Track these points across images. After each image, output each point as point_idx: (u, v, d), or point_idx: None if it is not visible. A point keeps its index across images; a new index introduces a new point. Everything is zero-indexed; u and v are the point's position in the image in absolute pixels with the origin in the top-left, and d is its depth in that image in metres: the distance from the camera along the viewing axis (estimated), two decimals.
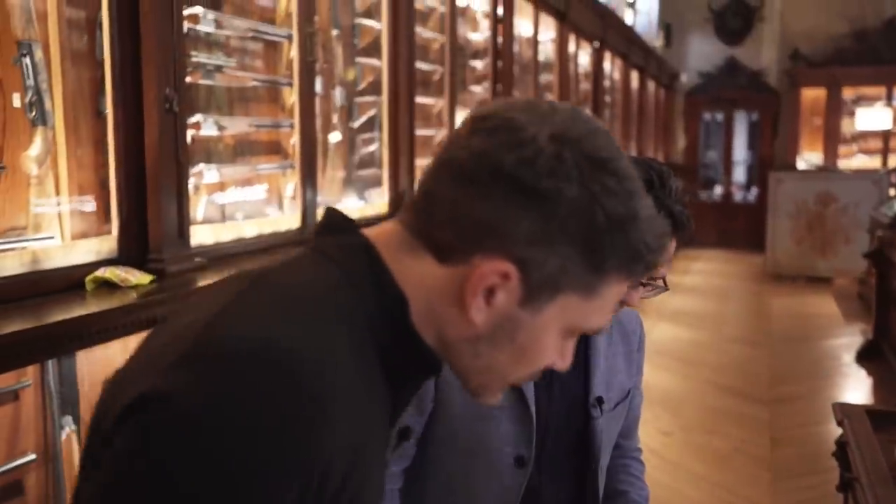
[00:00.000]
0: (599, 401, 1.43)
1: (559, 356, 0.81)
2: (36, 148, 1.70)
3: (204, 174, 2.38)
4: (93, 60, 1.83)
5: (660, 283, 1.36)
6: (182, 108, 1.94)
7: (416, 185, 0.80)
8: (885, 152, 10.97)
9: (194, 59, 2.29)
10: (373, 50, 3.34)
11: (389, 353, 0.76)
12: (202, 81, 2.34)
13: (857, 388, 5.28)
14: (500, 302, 0.74)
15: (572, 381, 1.44)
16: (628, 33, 8.33)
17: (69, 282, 1.71)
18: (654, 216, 0.77)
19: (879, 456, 1.69)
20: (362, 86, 3.32)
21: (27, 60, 1.66)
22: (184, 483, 0.61)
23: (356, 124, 3.31)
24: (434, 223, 0.75)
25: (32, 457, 1.73)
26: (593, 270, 0.74)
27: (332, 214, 0.81)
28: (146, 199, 1.88)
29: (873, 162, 11.07)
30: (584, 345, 1.45)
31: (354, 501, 0.71)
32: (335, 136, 3.16)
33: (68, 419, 1.82)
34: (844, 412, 1.95)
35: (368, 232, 0.79)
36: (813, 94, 11.35)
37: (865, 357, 5.67)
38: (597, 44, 6.77)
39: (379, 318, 0.75)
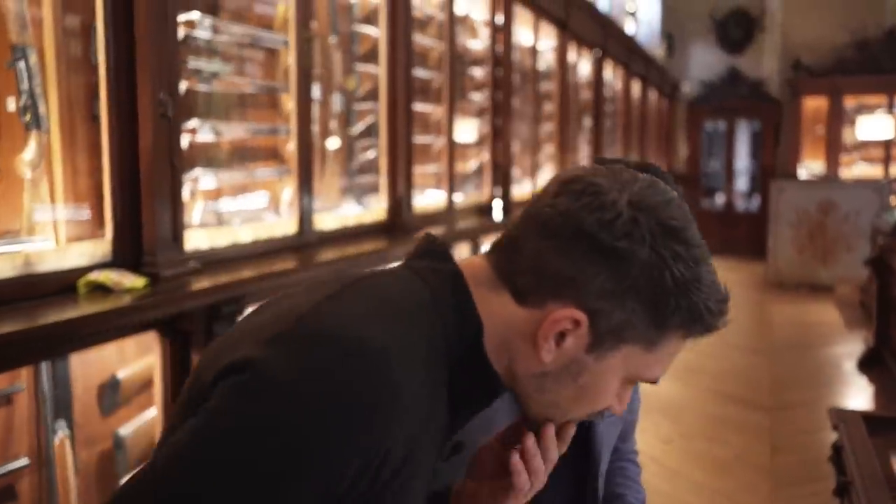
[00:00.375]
0: None
1: (617, 401, 0.89)
2: (30, 152, 1.70)
3: (200, 179, 2.38)
4: (88, 65, 1.84)
5: None
6: (177, 113, 1.95)
7: (504, 231, 0.89)
8: (886, 161, 10.96)
9: (191, 66, 2.30)
10: (371, 57, 3.35)
11: (458, 372, 0.84)
12: (199, 87, 2.35)
13: (858, 396, 5.26)
14: (568, 345, 0.83)
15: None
16: (629, 42, 8.35)
17: (63, 285, 1.71)
18: (716, 282, 0.84)
19: (874, 460, 1.68)
20: (361, 92, 3.33)
21: (21, 65, 1.66)
22: (260, 440, 0.70)
23: (355, 131, 3.31)
24: (517, 269, 0.84)
25: (25, 461, 1.73)
26: (656, 327, 0.82)
27: (430, 240, 0.91)
28: (140, 204, 1.89)
29: (875, 170, 11.05)
30: None
31: (401, 492, 0.78)
32: (334, 143, 3.16)
33: (62, 423, 1.82)
34: (840, 417, 1.95)
35: (460, 262, 0.89)
36: (814, 104, 11.35)
37: (867, 365, 5.65)
38: (598, 52, 6.78)
39: (456, 338, 0.84)
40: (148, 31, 1.83)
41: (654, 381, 0.89)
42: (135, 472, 0.77)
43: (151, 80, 1.84)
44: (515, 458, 0.90)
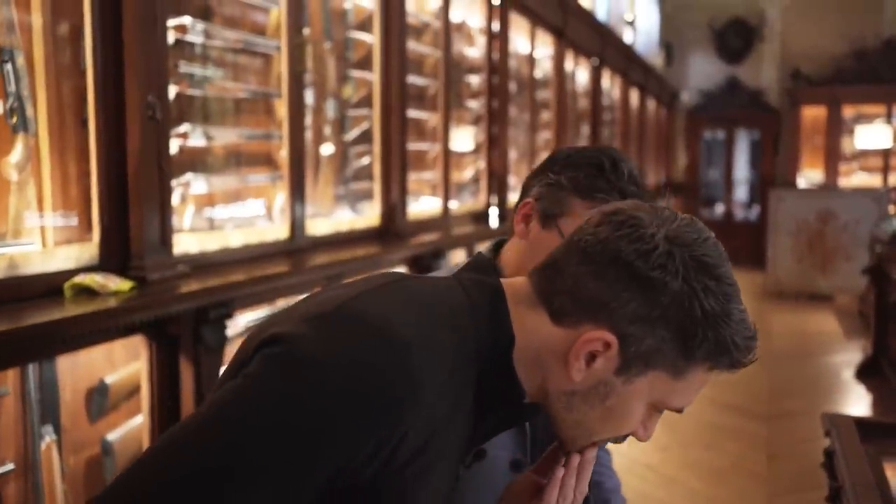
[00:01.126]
0: None
1: (642, 427, 0.92)
2: (16, 154, 1.70)
3: (192, 184, 2.38)
4: (77, 69, 1.84)
5: None
6: (166, 116, 1.94)
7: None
8: (885, 170, 10.96)
9: (182, 70, 2.30)
10: (366, 63, 3.35)
11: (485, 380, 0.88)
12: (191, 92, 2.35)
13: (856, 404, 5.24)
14: (598, 366, 0.87)
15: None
16: (628, 51, 8.36)
17: (48, 287, 1.70)
18: (746, 321, 0.88)
19: (866, 466, 1.67)
20: (355, 99, 3.33)
21: (8, 67, 1.66)
22: (286, 408, 0.76)
23: (349, 137, 3.31)
24: (556, 290, 0.89)
25: (11, 466, 1.72)
26: (684, 356, 0.86)
27: (480, 258, 1.00)
28: (128, 207, 1.88)
29: (874, 180, 11.06)
30: None
31: (415, 482, 0.82)
32: (327, 149, 3.16)
33: (48, 428, 1.81)
34: (833, 423, 1.93)
35: (504, 279, 0.94)
36: (813, 113, 11.36)
37: (865, 373, 5.64)
38: (596, 61, 6.79)
39: (488, 347, 0.88)
40: (136, 35, 1.82)
41: (678, 411, 0.92)
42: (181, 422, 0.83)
43: (139, 83, 1.84)
44: (560, 470, 0.96)
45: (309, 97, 2.93)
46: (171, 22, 2.17)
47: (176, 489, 0.74)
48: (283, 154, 2.74)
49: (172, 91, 2.17)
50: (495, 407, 0.90)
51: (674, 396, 0.89)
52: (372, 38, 3.33)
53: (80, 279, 1.70)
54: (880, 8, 10.96)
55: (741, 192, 12.37)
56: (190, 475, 0.75)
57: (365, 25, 3.33)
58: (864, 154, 11.22)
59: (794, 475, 4.09)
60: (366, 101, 3.37)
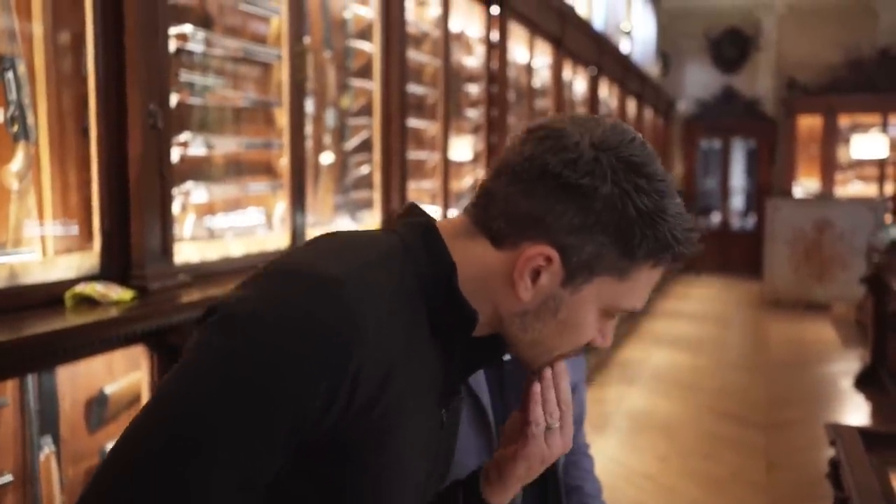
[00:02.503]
0: None
1: (600, 335, 0.93)
2: (17, 163, 1.69)
3: (192, 193, 2.37)
4: (78, 77, 1.83)
5: None
6: (168, 125, 1.94)
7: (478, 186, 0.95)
8: (881, 179, 11.00)
9: (183, 79, 2.29)
10: (366, 72, 3.35)
11: (438, 313, 0.87)
12: (192, 100, 2.34)
13: (855, 414, 5.23)
14: (544, 282, 0.87)
15: (522, 385, 1.45)
16: (625, 60, 8.38)
17: (49, 297, 1.69)
18: (683, 214, 0.88)
19: (872, 476, 1.66)
20: (355, 108, 3.33)
21: (9, 75, 1.65)
22: (231, 367, 0.76)
23: (349, 146, 3.31)
24: (491, 216, 0.88)
25: (9, 478, 1.70)
26: (626, 257, 0.86)
27: (410, 206, 0.95)
28: (129, 216, 1.87)
29: (870, 189, 11.09)
30: None
31: (385, 426, 0.81)
32: (327, 158, 3.16)
33: (47, 439, 1.79)
34: (837, 433, 1.93)
35: (439, 221, 0.93)
36: (809, 122, 11.40)
37: (863, 382, 5.63)
38: (593, 70, 6.81)
39: (431, 282, 0.87)
40: (137, 43, 1.82)
41: (632, 311, 0.92)
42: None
43: (141, 91, 1.83)
44: (536, 387, 0.95)
45: (309, 106, 2.92)
46: (173, 30, 2.16)
47: (145, 476, 0.74)
48: (284, 163, 2.74)
49: (173, 99, 2.16)
50: (455, 338, 0.89)
51: (623, 298, 0.89)
52: (372, 47, 3.33)
53: (81, 288, 1.68)
54: (875, 17, 11.01)
55: (737, 202, 12.40)
56: (153, 460, 0.74)
57: (365, 34, 3.33)
58: (860, 163, 11.26)
59: (793, 485, 4.08)
60: (366, 110, 3.36)
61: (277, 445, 0.76)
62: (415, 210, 0.94)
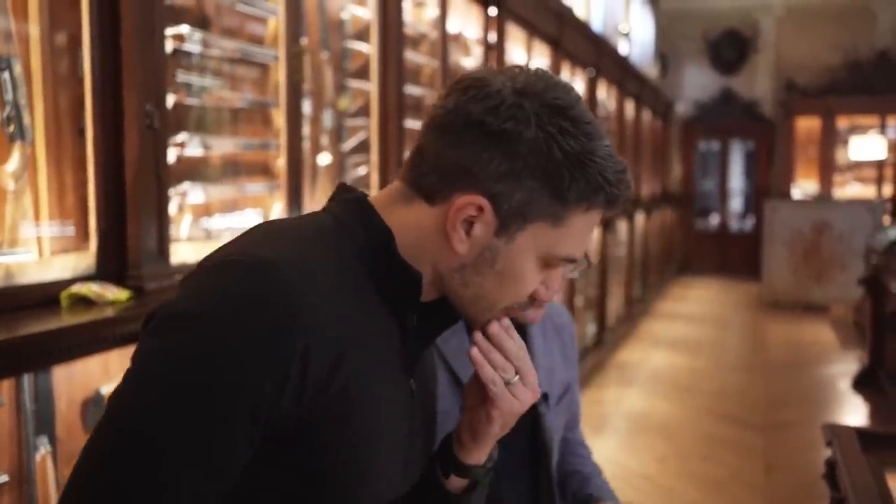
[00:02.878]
0: (545, 397, 1.49)
1: (543, 287, 0.91)
2: (13, 163, 1.68)
3: (189, 193, 2.37)
4: (75, 78, 1.83)
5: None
6: (164, 125, 1.93)
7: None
8: (879, 181, 11.01)
9: (180, 79, 2.29)
10: (363, 73, 3.34)
11: (383, 282, 0.87)
12: (188, 101, 2.34)
13: (853, 415, 5.23)
14: (478, 233, 0.86)
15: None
16: (623, 62, 8.38)
17: (44, 297, 1.69)
18: (613, 156, 0.87)
19: (868, 476, 1.66)
20: (352, 109, 3.33)
21: (6, 75, 1.65)
22: (178, 366, 0.75)
23: (346, 147, 3.30)
24: (422, 172, 0.88)
25: (5, 478, 1.69)
26: (557, 201, 0.85)
27: (340, 185, 0.95)
28: (126, 216, 1.87)
29: (868, 191, 11.10)
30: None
31: (347, 400, 0.81)
32: (325, 159, 3.15)
33: (43, 439, 1.79)
34: (834, 433, 1.92)
35: (374, 193, 0.94)
36: (807, 124, 11.41)
37: (862, 384, 5.63)
38: (591, 72, 6.81)
39: (371, 252, 0.87)
40: (134, 44, 1.81)
41: (570, 260, 0.90)
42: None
43: (137, 92, 1.83)
44: (474, 350, 0.93)
45: (306, 107, 2.92)
46: (169, 31, 2.16)
47: (107, 486, 0.74)
48: (281, 164, 2.73)
49: (170, 100, 2.16)
50: (405, 305, 0.89)
51: (560, 245, 0.88)
52: (369, 48, 3.33)
53: (77, 288, 1.68)
54: (874, 20, 11.02)
55: (736, 203, 12.40)
56: (113, 469, 0.74)
57: (362, 35, 3.33)
58: (859, 165, 11.27)
59: (791, 486, 4.08)
60: (363, 111, 3.36)
61: (238, 437, 0.76)
62: (344, 188, 0.94)
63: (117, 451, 0.74)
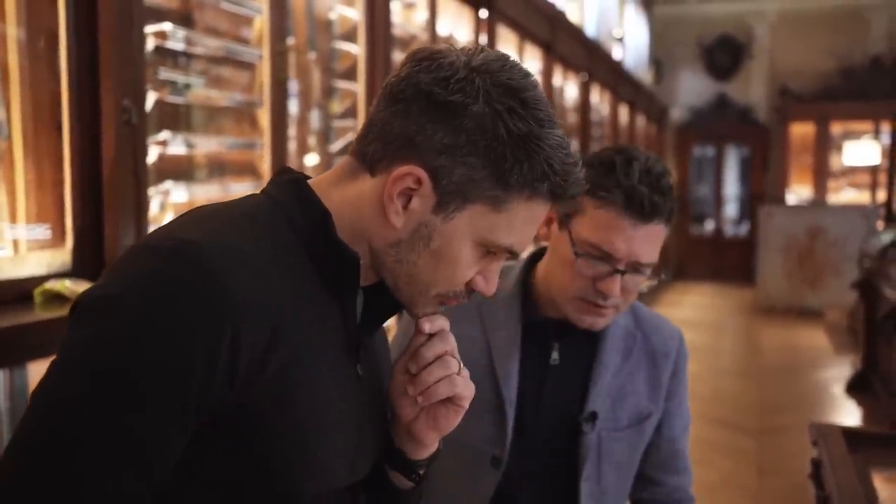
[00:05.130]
0: (593, 416, 1.39)
1: (481, 277, 0.88)
2: None
3: (171, 192, 2.35)
4: (52, 74, 1.81)
5: (643, 272, 1.32)
6: (142, 121, 1.91)
7: None
8: (873, 186, 11.02)
9: (162, 77, 2.27)
10: (351, 74, 3.33)
11: (320, 263, 0.84)
12: (171, 99, 2.32)
13: (846, 419, 5.21)
14: (415, 206, 0.84)
15: (568, 393, 1.41)
16: (617, 67, 8.38)
17: (18, 294, 1.67)
18: (563, 147, 0.84)
19: (853, 475, 1.64)
20: (340, 110, 3.31)
21: None
22: (94, 356, 0.73)
23: (334, 148, 3.29)
24: (368, 141, 0.86)
25: None
26: (499, 184, 0.82)
27: (281, 168, 0.93)
28: (103, 214, 1.84)
29: (862, 196, 11.12)
30: (589, 357, 1.42)
31: (286, 383, 0.78)
32: (312, 160, 3.13)
33: None
34: (820, 432, 1.91)
35: (324, 172, 0.92)
36: (802, 130, 11.43)
37: (855, 388, 5.62)
38: (585, 76, 6.80)
39: (308, 232, 0.84)
40: (111, 38, 1.80)
41: (510, 251, 0.87)
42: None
43: (115, 88, 1.81)
44: (416, 341, 0.90)
45: (293, 107, 2.90)
46: (152, 28, 2.14)
47: (30, 479, 0.71)
48: (266, 164, 2.71)
49: (152, 98, 2.15)
50: (344, 286, 0.86)
51: (499, 232, 0.85)
52: (357, 49, 3.31)
53: (51, 285, 1.66)
54: (867, 26, 11.05)
55: (731, 209, 12.40)
56: (36, 463, 0.72)
57: (351, 36, 3.31)
58: (853, 170, 11.29)
59: (783, 490, 4.06)
60: (351, 112, 3.34)
61: (168, 425, 0.73)
62: (284, 170, 0.91)
63: (42, 444, 0.72)
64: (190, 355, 0.73)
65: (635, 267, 1.30)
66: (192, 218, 0.83)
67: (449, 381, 0.89)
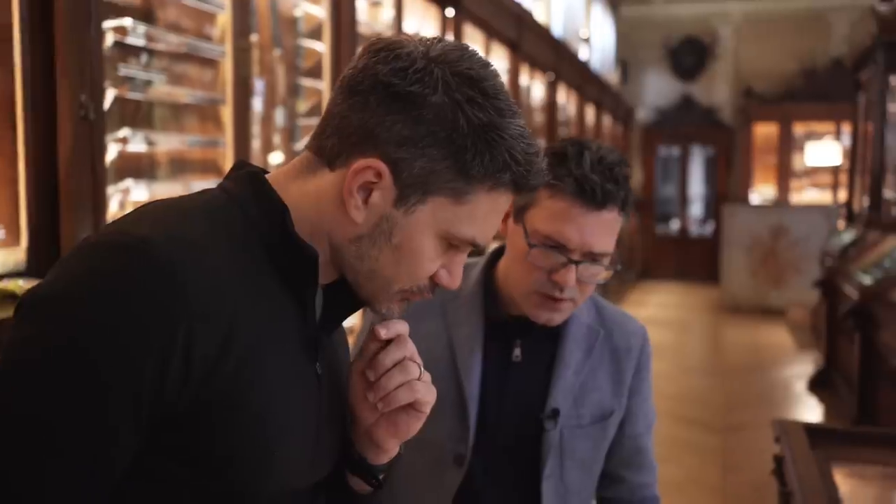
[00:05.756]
0: (555, 413, 1.39)
1: (445, 271, 0.87)
2: None
3: (132, 191, 2.30)
4: (6, 70, 1.76)
5: (599, 262, 1.31)
6: (100, 117, 1.87)
7: None
8: (834, 186, 11.20)
9: (122, 73, 2.23)
10: (317, 72, 3.30)
11: (278, 258, 0.82)
12: (131, 95, 2.28)
13: (809, 415, 5.29)
14: (376, 200, 0.82)
15: (530, 390, 1.40)
16: (583, 67, 8.43)
17: None
18: (525, 137, 0.83)
19: (814, 470, 1.66)
20: (305, 108, 3.28)
21: None
22: (37, 355, 0.71)
23: (299, 147, 3.26)
24: (326, 135, 0.84)
25: None
26: (460, 175, 0.81)
27: (237, 162, 0.90)
28: (59, 212, 1.80)
29: (824, 195, 11.30)
30: (551, 354, 1.41)
31: (236, 383, 0.76)
32: (276, 158, 3.10)
33: None
34: (783, 428, 1.92)
35: (281, 167, 0.90)
36: (765, 130, 11.59)
37: (817, 385, 5.70)
38: (551, 76, 6.82)
39: (265, 227, 0.82)
40: (67, 31, 1.75)
41: (473, 243, 0.86)
42: None
43: (71, 82, 1.76)
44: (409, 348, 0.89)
45: (258, 105, 2.87)
46: (111, 23, 2.10)
47: None
48: (230, 162, 2.68)
49: (111, 94, 2.10)
50: (302, 283, 0.83)
51: (462, 225, 0.83)
52: (323, 47, 3.28)
53: (4, 285, 1.61)
54: (829, 29, 11.23)
55: (696, 208, 12.54)
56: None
57: (316, 34, 3.28)
58: (815, 171, 11.47)
59: (748, 486, 4.10)
60: (317, 111, 3.31)
61: (119, 426, 0.71)
62: (241, 164, 0.89)
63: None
64: (141, 355, 0.71)
65: (590, 257, 1.29)
66: (144, 213, 0.81)
67: (409, 387, 0.87)
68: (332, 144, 0.83)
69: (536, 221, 1.30)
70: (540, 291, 1.32)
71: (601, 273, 1.33)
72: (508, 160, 0.82)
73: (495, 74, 0.84)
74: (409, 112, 0.80)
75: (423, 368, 0.90)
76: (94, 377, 0.70)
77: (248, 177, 0.85)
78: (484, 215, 0.84)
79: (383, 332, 0.87)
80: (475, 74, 0.82)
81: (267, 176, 0.87)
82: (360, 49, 0.87)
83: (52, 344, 0.71)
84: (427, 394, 0.89)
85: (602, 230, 1.29)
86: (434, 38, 0.85)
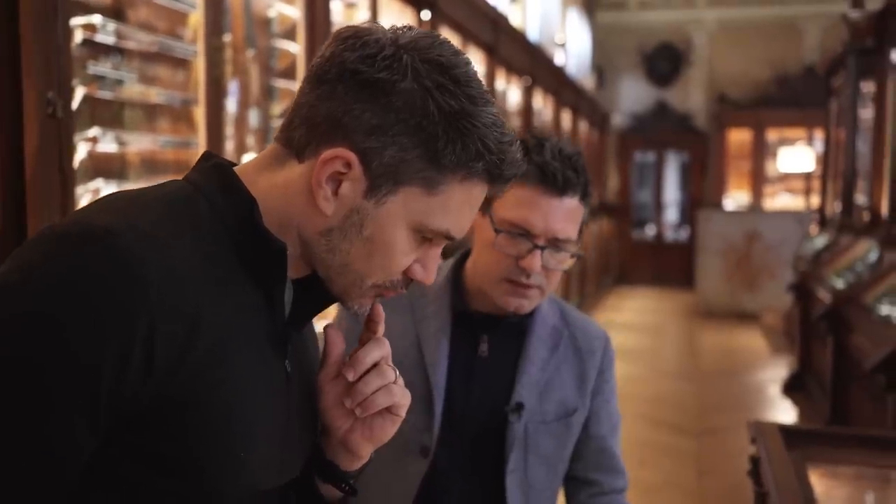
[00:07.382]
0: (519, 406, 1.41)
1: (419, 265, 0.85)
2: None
3: (101, 191, 2.26)
4: None
5: (563, 249, 1.35)
6: (68, 114, 1.83)
7: None
8: (807, 192, 11.34)
9: (91, 71, 2.19)
10: (291, 73, 3.27)
11: (245, 253, 0.80)
12: (101, 94, 2.24)
13: (783, 418, 5.33)
14: (345, 192, 0.80)
15: (496, 385, 1.44)
16: (559, 73, 8.46)
17: None
18: (498, 125, 0.81)
19: (790, 471, 1.66)
20: (280, 109, 3.26)
21: None
22: (4, 348, 0.68)
23: None
24: (294, 126, 0.82)
25: None
26: (432, 164, 0.79)
27: (204, 154, 0.88)
28: (26, 212, 1.76)
29: (797, 201, 11.43)
30: (517, 350, 1.45)
31: (201, 380, 0.74)
32: (250, 159, 3.07)
33: None
34: (758, 430, 1.92)
35: (249, 159, 0.88)
36: (739, 137, 11.71)
37: (791, 388, 5.75)
38: (527, 80, 6.84)
39: (232, 220, 0.80)
40: (32, 27, 1.72)
41: (447, 236, 0.84)
42: None
43: (37, 79, 1.72)
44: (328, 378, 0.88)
45: (231, 105, 2.84)
46: (80, 20, 2.07)
47: None
48: None
49: (80, 92, 2.06)
50: (270, 277, 0.81)
51: (434, 216, 0.81)
52: (297, 48, 3.26)
53: None
54: (801, 37, 11.39)
55: (671, 214, 12.63)
56: None
57: (290, 34, 3.26)
58: (788, 176, 11.61)
59: (723, 489, 4.11)
60: None
61: (76, 424, 0.69)
62: (208, 156, 0.87)
63: None
64: (99, 350, 0.68)
65: (554, 243, 1.34)
66: (106, 203, 0.79)
67: (387, 391, 0.86)
68: (301, 135, 0.81)
69: (501, 210, 1.36)
70: (509, 278, 1.36)
71: (566, 260, 1.38)
72: (481, 149, 0.80)
73: (467, 62, 0.82)
74: (377, 100, 0.78)
75: (397, 372, 0.88)
76: (46, 375, 0.68)
77: (214, 168, 0.83)
78: (457, 206, 0.82)
79: (350, 375, 0.86)
80: (446, 61, 0.80)
81: (235, 168, 0.84)
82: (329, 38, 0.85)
83: (4, 339, 0.68)
84: (403, 397, 0.88)
85: (565, 216, 1.34)
86: (404, 27, 0.83)
